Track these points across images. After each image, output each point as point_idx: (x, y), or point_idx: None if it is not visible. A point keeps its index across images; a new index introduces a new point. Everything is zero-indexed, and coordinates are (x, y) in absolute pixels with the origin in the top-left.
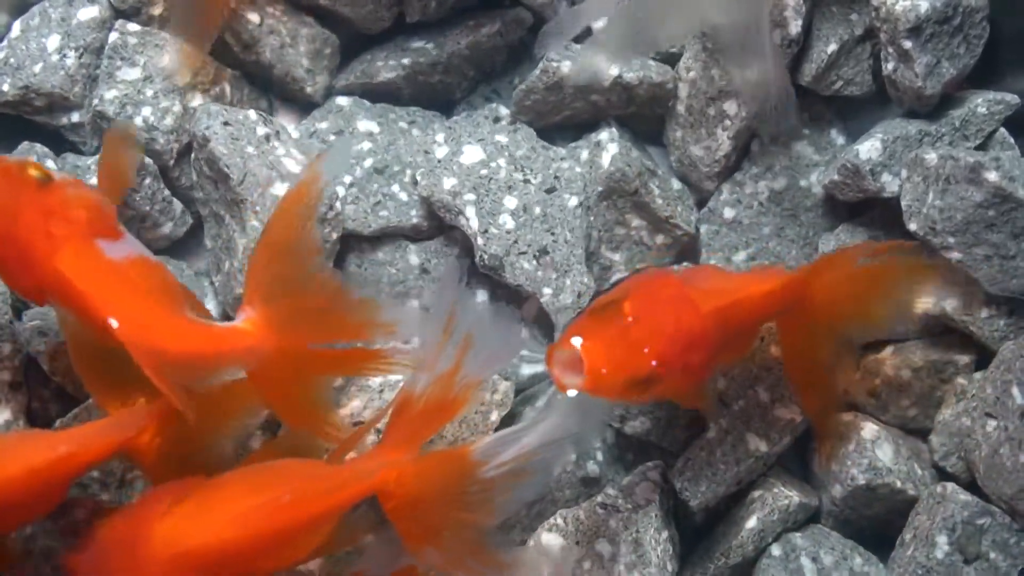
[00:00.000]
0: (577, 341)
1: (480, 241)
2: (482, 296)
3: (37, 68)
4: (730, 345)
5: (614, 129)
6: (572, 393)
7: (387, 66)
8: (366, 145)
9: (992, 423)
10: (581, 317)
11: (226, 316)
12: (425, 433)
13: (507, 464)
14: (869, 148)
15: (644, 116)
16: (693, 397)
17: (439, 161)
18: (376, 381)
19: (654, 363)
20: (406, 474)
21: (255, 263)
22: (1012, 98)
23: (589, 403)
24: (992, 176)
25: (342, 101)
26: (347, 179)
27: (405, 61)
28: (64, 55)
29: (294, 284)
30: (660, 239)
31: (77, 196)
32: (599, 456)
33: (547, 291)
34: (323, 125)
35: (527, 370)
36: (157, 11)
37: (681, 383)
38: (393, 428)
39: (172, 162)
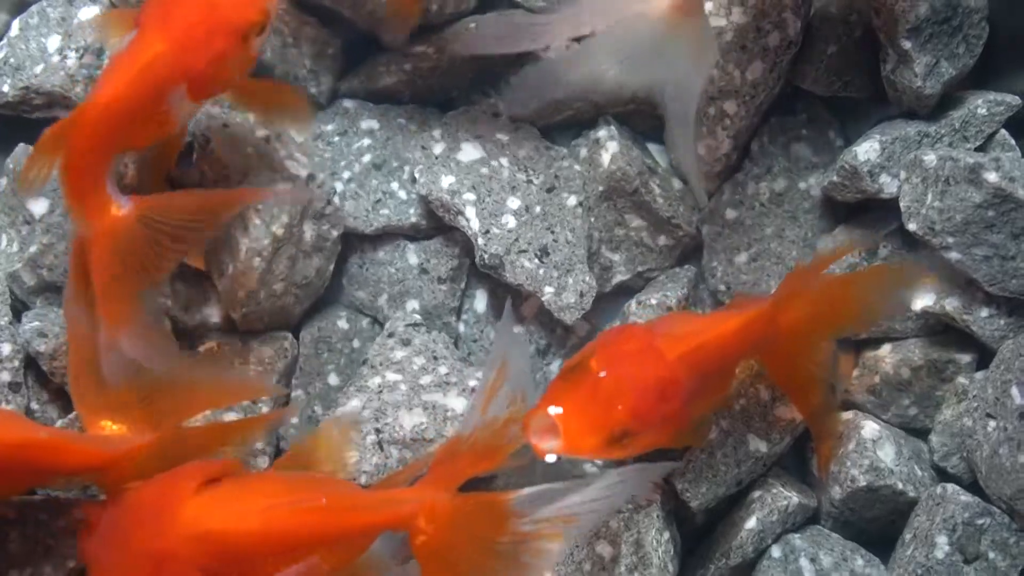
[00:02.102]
0: (551, 408)
1: (480, 241)
2: (481, 297)
3: (38, 69)
4: (708, 388)
5: (613, 127)
6: (551, 459)
7: (389, 71)
8: (366, 141)
9: (992, 423)
10: (553, 382)
11: (228, 319)
12: (466, 474)
13: (543, 520)
14: (867, 149)
15: (644, 113)
16: (681, 439)
17: (436, 157)
18: (375, 382)
19: (628, 419)
20: (439, 512)
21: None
22: (1013, 99)
23: (640, 473)
24: (992, 177)
25: (347, 103)
26: (345, 175)
27: (407, 67)
28: (65, 55)
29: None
30: (662, 240)
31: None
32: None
33: (549, 290)
34: (329, 127)
35: None
36: None
37: (662, 433)
38: (437, 465)
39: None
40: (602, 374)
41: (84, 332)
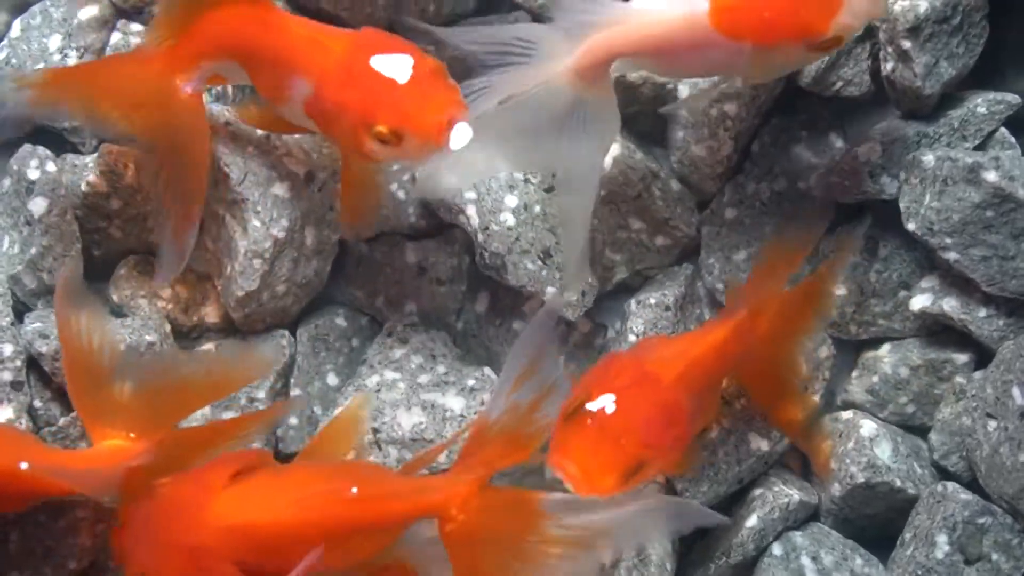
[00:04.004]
0: (562, 458)
1: (481, 239)
2: (483, 300)
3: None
4: (701, 406)
5: None
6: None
7: None
8: None
9: (992, 423)
10: (556, 430)
11: (227, 318)
12: (497, 465)
13: (573, 528)
14: (867, 150)
15: (646, 115)
16: (680, 464)
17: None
18: (373, 380)
19: (640, 451)
20: (470, 501)
21: None
22: (1013, 98)
23: (681, 509)
24: (991, 176)
25: None
26: None
27: None
28: (65, 55)
29: None
30: (660, 241)
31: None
32: None
33: (551, 290)
34: None
35: None
36: None
37: (672, 456)
38: (466, 454)
39: None
40: (606, 412)
41: (76, 337)
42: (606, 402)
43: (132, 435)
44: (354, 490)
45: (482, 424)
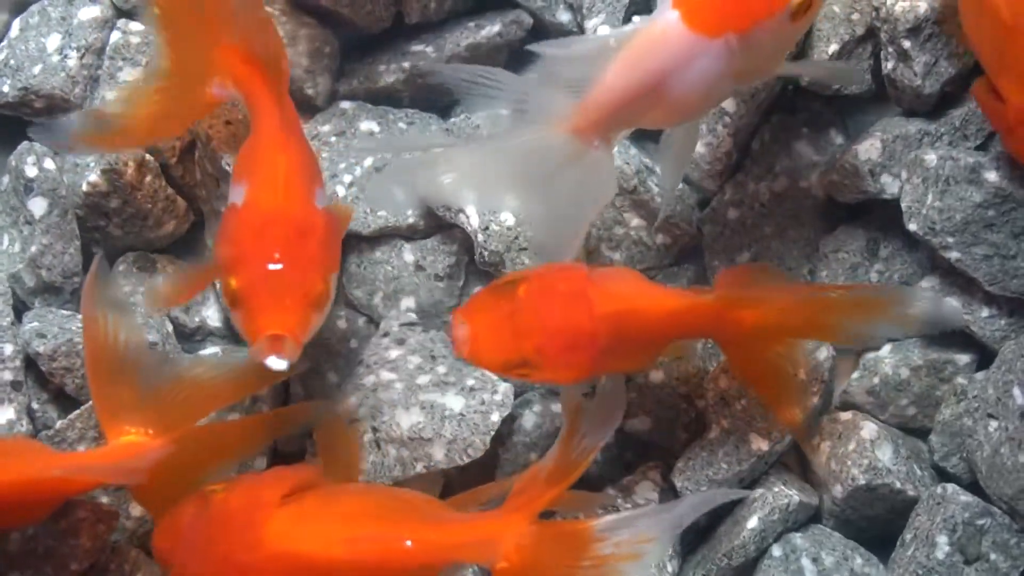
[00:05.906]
0: (467, 319)
1: (480, 238)
2: None
3: (37, 69)
4: (626, 354)
5: None
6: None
7: (388, 71)
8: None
9: (993, 423)
10: (481, 292)
11: (229, 320)
12: (546, 499)
13: (624, 543)
14: (868, 148)
15: None
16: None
17: None
18: (369, 380)
19: (531, 354)
20: (524, 543)
21: None
22: None
23: (718, 497)
24: (992, 176)
25: (345, 105)
26: (347, 178)
27: (405, 65)
28: (65, 56)
29: None
30: (660, 239)
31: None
32: (597, 455)
33: None
34: (325, 128)
35: None
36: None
37: (564, 374)
38: (518, 493)
39: (174, 160)
40: (525, 303)
41: (102, 333)
42: (533, 295)
43: (151, 432)
44: (408, 543)
45: (538, 467)
